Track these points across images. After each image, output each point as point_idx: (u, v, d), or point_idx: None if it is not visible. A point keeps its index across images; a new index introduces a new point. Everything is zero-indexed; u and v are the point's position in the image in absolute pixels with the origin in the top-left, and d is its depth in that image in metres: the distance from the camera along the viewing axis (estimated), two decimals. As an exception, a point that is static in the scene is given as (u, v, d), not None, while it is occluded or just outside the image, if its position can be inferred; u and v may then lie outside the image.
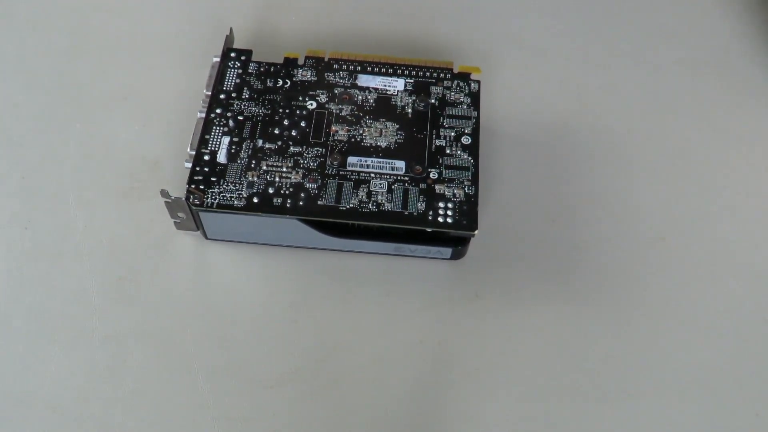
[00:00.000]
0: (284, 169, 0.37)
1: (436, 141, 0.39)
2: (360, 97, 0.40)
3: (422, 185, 0.37)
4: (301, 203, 0.36)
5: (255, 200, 0.36)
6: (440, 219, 0.36)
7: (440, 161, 0.38)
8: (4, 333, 0.36)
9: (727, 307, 0.38)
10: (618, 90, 0.45)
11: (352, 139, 0.38)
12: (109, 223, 0.39)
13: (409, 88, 0.40)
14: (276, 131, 0.38)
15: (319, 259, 0.39)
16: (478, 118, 0.39)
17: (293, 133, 0.38)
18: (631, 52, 0.47)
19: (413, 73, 0.41)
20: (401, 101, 0.40)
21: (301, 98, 0.40)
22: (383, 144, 0.38)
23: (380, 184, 0.37)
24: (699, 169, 0.43)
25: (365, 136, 0.39)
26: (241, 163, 0.37)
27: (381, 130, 0.39)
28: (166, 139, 0.42)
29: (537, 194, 0.41)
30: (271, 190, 0.36)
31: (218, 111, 0.39)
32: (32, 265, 0.38)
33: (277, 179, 0.37)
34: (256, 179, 0.37)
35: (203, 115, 0.39)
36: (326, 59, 0.41)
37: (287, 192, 0.37)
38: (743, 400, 0.36)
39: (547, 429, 0.35)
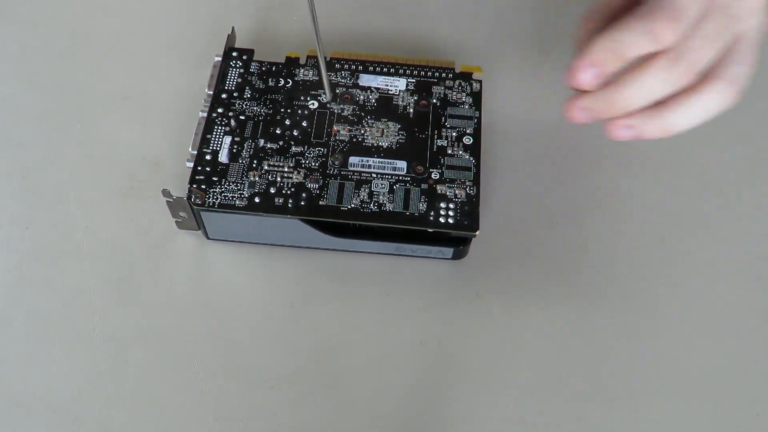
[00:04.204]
0: (286, 169, 0.37)
1: (438, 141, 0.39)
2: (362, 97, 0.40)
3: (424, 185, 0.37)
4: (302, 203, 0.36)
5: (256, 200, 0.36)
6: (441, 219, 0.36)
7: (442, 161, 0.38)
8: (4, 333, 0.36)
9: (728, 308, 0.38)
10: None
11: (354, 139, 0.38)
12: (110, 223, 0.39)
13: (411, 87, 0.40)
14: (278, 131, 0.38)
15: (320, 259, 0.39)
16: (479, 119, 0.39)
17: (295, 132, 0.38)
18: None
19: (415, 72, 0.41)
20: (403, 101, 0.40)
21: (302, 98, 0.40)
22: (385, 144, 0.38)
23: (382, 185, 0.37)
24: (699, 169, 0.43)
25: (367, 136, 0.39)
26: (242, 162, 0.37)
27: (382, 130, 0.39)
28: (166, 139, 0.41)
29: (538, 194, 0.41)
30: (272, 190, 0.36)
31: (220, 110, 0.39)
32: (33, 265, 0.38)
33: (278, 179, 0.37)
34: (257, 179, 0.37)
35: (205, 114, 0.39)
36: (328, 59, 0.41)
37: (289, 192, 0.36)
38: (744, 400, 0.36)
39: (547, 429, 0.35)
